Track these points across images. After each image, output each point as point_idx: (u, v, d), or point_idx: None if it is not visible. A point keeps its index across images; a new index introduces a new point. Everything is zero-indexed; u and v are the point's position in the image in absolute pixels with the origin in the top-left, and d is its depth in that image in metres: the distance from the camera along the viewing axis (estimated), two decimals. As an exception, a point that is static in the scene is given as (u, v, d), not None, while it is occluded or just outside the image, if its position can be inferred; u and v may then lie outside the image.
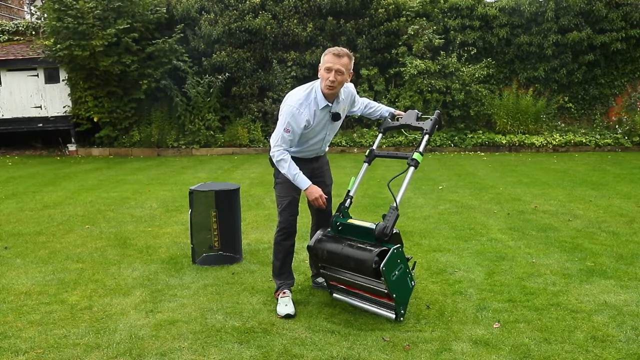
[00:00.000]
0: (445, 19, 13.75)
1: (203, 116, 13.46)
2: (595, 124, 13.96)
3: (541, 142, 12.95)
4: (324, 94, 3.42)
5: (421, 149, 3.55)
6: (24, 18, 19.79)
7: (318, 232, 3.57)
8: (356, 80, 13.92)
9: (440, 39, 13.23)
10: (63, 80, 13.81)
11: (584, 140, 13.00)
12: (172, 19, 13.70)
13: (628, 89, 13.93)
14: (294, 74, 13.45)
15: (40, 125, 14.04)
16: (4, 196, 7.89)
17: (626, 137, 13.04)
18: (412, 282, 3.40)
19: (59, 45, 12.43)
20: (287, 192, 3.59)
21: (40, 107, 14.03)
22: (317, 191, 3.45)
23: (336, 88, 3.40)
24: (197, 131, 13.43)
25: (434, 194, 7.55)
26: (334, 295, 3.68)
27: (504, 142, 13.07)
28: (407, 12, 13.59)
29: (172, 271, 4.41)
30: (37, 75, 13.95)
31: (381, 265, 3.15)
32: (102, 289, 4.02)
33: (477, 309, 3.54)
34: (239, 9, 13.47)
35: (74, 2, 12.10)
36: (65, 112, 13.90)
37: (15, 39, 15.20)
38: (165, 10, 13.47)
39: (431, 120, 3.65)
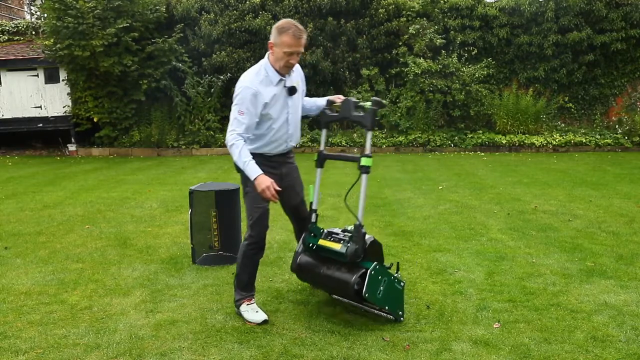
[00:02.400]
0: (445, 19, 13.74)
1: (203, 116, 13.46)
2: (595, 124, 13.96)
3: (541, 142, 12.95)
4: (276, 71, 3.26)
5: (367, 150, 3.30)
6: (24, 18, 19.79)
7: (297, 251, 3.50)
8: (356, 80, 13.94)
9: (441, 38, 13.23)
10: (63, 80, 13.80)
11: (584, 140, 13.00)
12: (172, 18, 13.70)
13: (628, 89, 13.92)
14: (294, 74, 13.43)
15: (40, 125, 14.04)
16: (4, 196, 7.89)
17: (626, 137, 13.04)
18: (401, 284, 3.36)
19: (58, 45, 12.43)
20: (258, 203, 3.35)
21: (40, 107, 14.02)
22: (266, 181, 3.15)
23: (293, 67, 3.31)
24: (197, 131, 13.43)
25: (434, 194, 7.55)
26: (334, 295, 3.68)
27: (504, 142, 13.07)
28: (408, 12, 13.59)
29: (172, 271, 4.41)
30: (37, 75, 13.95)
31: (363, 293, 3.12)
32: (102, 289, 4.02)
33: (477, 309, 3.54)
34: (239, 9, 13.47)
35: (74, 2, 12.10)
36: (65, 112, 13.89)
37: (15, 39, 15.21)
38: (164, 10, 13.46)
39: (369, 112, 3.31)
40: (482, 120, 13.84)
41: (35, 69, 13.87)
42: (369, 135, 3.34)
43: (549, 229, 5.55)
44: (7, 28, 15.35)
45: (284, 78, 3.31)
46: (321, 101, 3.64)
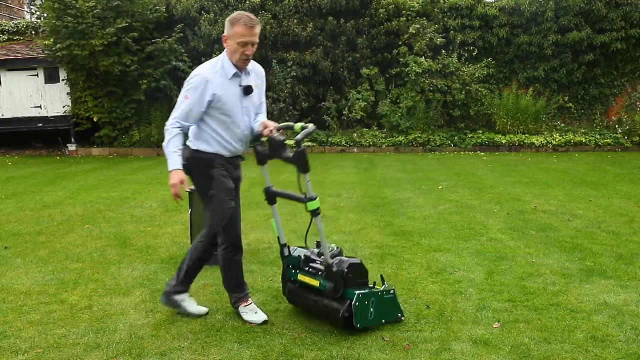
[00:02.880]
0: (446, 19, 13.75)
1: (203, 116, 13.45)
2: (595, 124, 13.96)
3: (541, 142, 12.95)
4: (234, 65, 3.19)
5: (310, 193, 3.15)
6: (24, 18, 19.79)
7: (284, 278, 3.47)
8: (356, 80, 13.93)
9: (441, 38, 13.23)
10: (63, 80, 13.80)
11: (584, 140, 13.00)
12: (172, 18, 13.70)
13: (628, 89, 13.92)
14: (294, 74, 13.45)
15: (40, 125, 14.04)
16: (4, 196, 7.89)
17: (626, 137, 13.04)
18: (391, 292, 3.29)
19: (59, 45, 12.43)
20: (227, 203, 3.25)
21: (40, 107, 14.02)
22: (178, 178, 3.06)
23: (250, 60, 3.23)
24: (197, 131, 13.42)
25: (434, 194, 7.55)
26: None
27: (504, 142, 13.07)
28: (408, 12, 13.59)
29: (172, 271, 4.39)
30: (37, 75, 13.95)
31: (355, 324, 3.10)
32: (102, 289, 4.02)
33: (477, 309, 3.54)
34: (239, 9, 13.46)
35: (74, 2, 12.10)
36: (65, 112, 13.89)
37: (15, 39, 15.21)
38: (164, 10, 13.46)
39: (301, 154, 3.17)
40: (482, 120, 13.85)
41: (35, 69, 13.87)
42: (307, 177, 3.15)
43: (549, 229, 5.55)
44: (7, 28, 15.35)
45: (240, 74, 3.23)
46: (259, 122, 3.40)
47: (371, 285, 3.29)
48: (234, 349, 3.05)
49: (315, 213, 3.18)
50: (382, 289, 3.26)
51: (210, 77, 3.14)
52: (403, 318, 3.33)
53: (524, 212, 6.37)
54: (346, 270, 3.18)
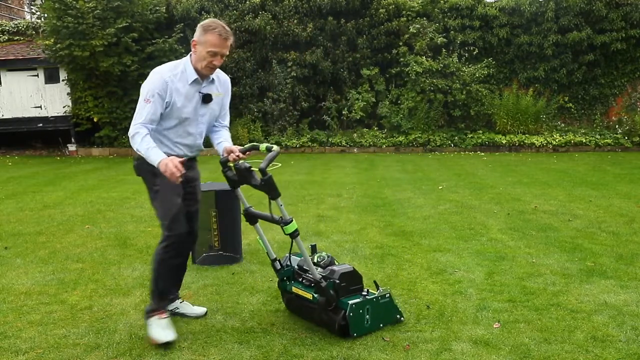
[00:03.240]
0: (446, 19, 13.75)
1: (203, 116, 13.46)
2: (595, 124, 13.96)
3: (541, 142, 12.95)
4: (196, 71, 3.07)
5: (286, 217, 3.08)
6: (24, 18, 19.79)
7: (283, 290, 3.44)
8: (356, 80, 13.94)
9: (442, 37, 13.23)
10: (63, 81, 13.81)
11: (584, 140, 13.00)
12: (172, 18, 13.70)
13: (628, 89, 13.93)
14: (294, 74, 13.45)
15: (40, 125, 14.04)
16: (4, 196, 7.89)
17: (626, 137, 13.05)
18: (386, 296, 3.24)
19: (59, 45, 12.43)
20: (172, 199, 3.08)
21: (40, 107, 14.03)
22: (171, 161, 2.83)
23: (215, 69, 3.12)
24: (197, 131, 13.43)
25: (434, 194, 7.55)
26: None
27: (504, 142, 13.08)
28: (408, 12, 13.59)
29: (172, 271, 4.40)
30: (37, 75, 13.95)
31: (351, 333, 3.08)
32: (102, 289, 4.02)
33: (477, 309, 3.53)
34: (239, 9, 13.47)
35: (74, 2, 12.11)
36: (65, 112, 13.90)
37: (15, 39, 15.21)
38: (164, 10, 13.47)
39: (268, 180, 3.06)
40: (482, 120, 13.85)
41: (35, 69, 13.88)
42: (278, 201, 3.07)
43: (549, 229, 5.55)
44: (7, 28, 15.36)
45: (201, 81, 3.10)
46: (223, 145, 3.28)
47: (365, 292, 3.22)
48: (234, 349, 3.05)
49: (293, 235, 3.11)
50: (376, 295, 3.21)
51: (169, 79, 3.01)
52: (402, 319, 3.33)
53: (524, 212, 6.37)
54: (338, 280, 3.14)
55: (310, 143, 13.45)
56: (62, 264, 4.61)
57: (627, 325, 3.27)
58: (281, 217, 3.10)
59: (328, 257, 3.37)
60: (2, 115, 14.00)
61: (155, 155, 2.91)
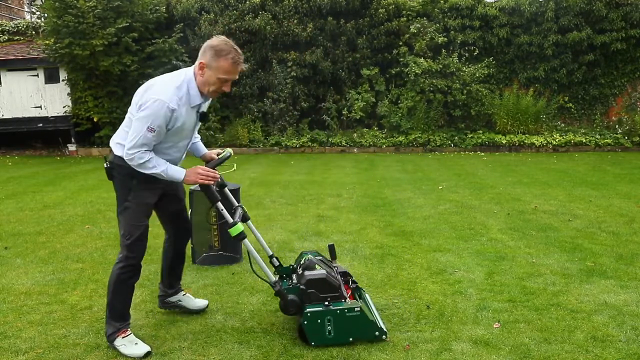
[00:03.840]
0: (446, 19, 13.75)
1: (203, 116, 13.46)
2: (595, 124, 13.96)
3: (541, 142, 12.95)
4: (201, 94, 2.91)
5: (229, 220, 3.09)
6: (24, 18, 19.79)
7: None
8: (356, 80, 13.94)
9: (442, 37, 13.23)
10: (63, 80, 13.81)
11: (584, 140, 13.00)
12: (172, 18, 13.71)
13: (628, 89, 13.92)
14: (294, 74, 13.45)
15: (40, 125, 14.04)
16: (4, 196, 7.89)
17: (626, 137, 13.04)
18: (355, 309, 3.04)
19: (59, 45, 12.43)
20: (139, 220, 3.00)
21: (40, 107, 14.03)
22: (196, 169, 2.90)
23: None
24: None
25: (434, 194, 7.55)
26: None
27: (504, 142, 13.07)
28: (408, 12, 13.59)
29: (172, 271, 4.40)
30: (37, 75, 13.95)
31: (310, 342, 3.01)
32: (102, 289, 4.02)
33: (477, 309, 3.53)
34: (239, 9, 13.47)
35: (75, 1, 12.11)
36: (65, 112, 13.90)
37: (15, 39, 15.21)
38: (164, 10, 13.47)
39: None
40: (482, 120, 13.85)
41: (35, 69, 13.88)
42: (218, 206, 3.08)
43: (549, 229, 5.55)
44: (7, 28, 15.35)
45: (203, 103, 2.97)
46: (199, 148, 3.35)
47: (332, 298, 3.10)
48: (234, 349, 3.05)
49: (237, 238, 3.07)
50: (342, 307, 3.05)
51: (176, 106, 2.80)
52: (385, 337, 3.08)
53: (524, 212, 6.38)
54: (303, 286, 3.09)
55: (310, 143, 13.45)
56: (62, 264, 4.61)
57: (627, 325, 3.27)
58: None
59: (309, 260, 3.32)
60: (2, 115, 14.00)
61: (176, 172, 2.89)
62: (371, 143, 13.40)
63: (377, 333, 3.07)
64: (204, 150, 3.36)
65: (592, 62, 13.46)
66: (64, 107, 13.92)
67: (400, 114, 13.43)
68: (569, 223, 5.81)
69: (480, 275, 4.19)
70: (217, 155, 3.24)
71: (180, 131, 2.94)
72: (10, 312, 3.60)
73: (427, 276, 4.19)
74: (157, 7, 13.31)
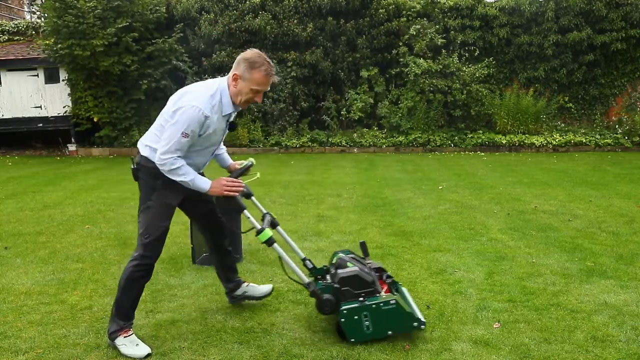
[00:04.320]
0: (446, 19, 13.75)
1: (203, 116, 13.45)
2: (595, 124, 13.96)
3: (541, 142, 12.95)
4: (232, 102, 2.99)
5: (257, 226, 3.16)
6: (24, 18, 19.79)
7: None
8: (356, 80, 13.94)
9: (441, 38, 13.23)
10: (63, 80, 13.81)
11: (584, 140, 13.00)
12: (172, 18, 13.71)
13: (628, 89, 13.92)
14: (294, 74, 13.45)
15: (40, 125, 14.04)
16: (4, 196, 7.89)
17: (626, 137, 13.04)
18: (390, 302, 3.05)
19: (59, 45, 12.44)
20: (160, 220, 3.09)
21: (40, 107, 14.03)
22: (220, 181, 2.99)
23: None
24: (197, 131, 13.43)
25: (434, 194, 7.55)
26: None
27: (504, 142, 13.07)
28: (408, 12, 13.59)
29: (172, 271, 4.41)
30: (37, 75, 13.95)
31: (349, 339, 3.04)
32: (102, 289, 4.02)
33: (477, 309, 3.53)
34: (239, 9, 13.47)
35: (75, 1, 12.11)
36: (65, 112, 13.90)
37: (15, 39, 15.21)
38: (164, 10, 13.47)
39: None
40: (482, 120, 13.85)
41: (35, 69, 13.88)
42: (245, 213, 3.15)
43: (549, 229, 5.55)
44: (7, 28, 15.36)
45: (233, 113, 3.06)
46: (225, 158, 3.47)
47: (367, 294, 3.13)
48: (234, 349, 3.06)
49: (267, 244, 3.12)
50: (377, 301, 3.08)
51: (209, 113, 2.88)
52: (423, 326, 3.10)
53: (524, 212, 6.38)
54: (337, 285, 3.12)
55: (310, 143, 13.45)
56: (62, 264, 4.61)
57: (627, 325, 3.27)
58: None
59: (340, 259, 3.34)
60: (2, 115, 14.00)
61: (202, 182, 2.98)
62: (371, 143, 13.40)
63: (415, 324, 3.08)
64: (229, 161, 3.47)
65: (592, 62, 13.46)
66: (64, 107, 13.92)
67: (400, 114, 13.43)
68: (569, 223, 5.81)
69: (480, 275, 4.19)
70: (240, 165, 3.35)
71: (209, 138, 3.02)
72: (10, 312, 3.60)
73: (427, 276, 4.19)
74: (157, 7, 13.30)
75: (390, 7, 13.52)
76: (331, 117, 13.82)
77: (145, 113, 13.76)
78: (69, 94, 13.78)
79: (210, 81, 3.03)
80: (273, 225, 3.38)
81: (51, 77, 13.94)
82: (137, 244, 3.11)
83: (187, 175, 2.94)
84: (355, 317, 3.05)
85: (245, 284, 3.66)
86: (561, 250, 4.84)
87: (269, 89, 3.05)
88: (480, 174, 9.42)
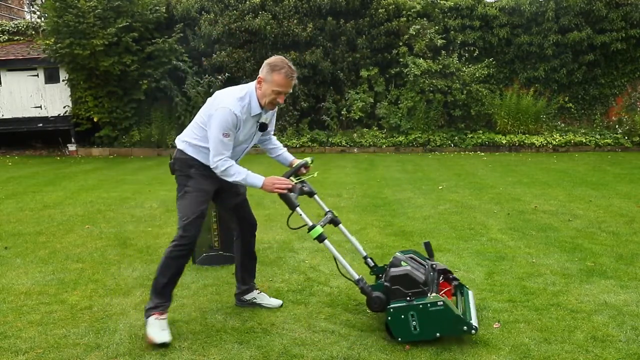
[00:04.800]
0: (446, 19, 13.75)
1: (203, 116, 13.46)
2: (595, 124, 13.96)
3: (541, 142, 12.95)
4: (259, 104, 3.21)
5: (309, 223, 3.25)
6: (24, 18, 19.79)
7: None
8: (356, 80, 13.93)
9: (441, 38, 13.23)
10: (63, 81, 13.81)
11: (584, 140, 13.00)
12: (172, 18, 13.70)
13: (628, 89, 13.93)
14: (294, 74, 13.43)
15: (40, 125, 14.05)
16: (4, 196, 7.89)
17: (626, 137, 13.04)
18: (438, 304, 3.01)
19: (59, 45, 12.44)
20: (198, 204, 3.25)
21: (40, 107, 14.03)
22: (272, 180, 3.17)
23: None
24: (197, 131, 13.43)
25: (434, 194, 7.55)
26: None
27: (504, 142, 13.08)
28: (408, 13, 13.59)
29: (172, 271, 4.40)
30: (37, 75, 13.96)
31: (396, 338, 3.06)
32: (102, 289, 4.02)
33: (477, 309, 3.53)
34: (239, 9, 13.47)
35: (75, 1, 12.12)
36: (65, 112, 13.90)
37: (15, 39, 15.22)
38: (164, 10, 13.47)
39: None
40: (482, 120, 13.85)
41: (35, 69, 13.89)
42: (297, 211, 3.26)
43: (549, 229, 5.55)
44: (7, 28, 15.36)
45: (262, 113, 3.27)
46: (285, 156, 3.63)
47: (415, 294, 3.09)
48: (234, 349, 3.05)
49: (317, 240, 3.21)
50: (425, 301, 3.03)
51: (239, 114, 3.13)
52: (474, 332, 3.02)
53: (524, 212, 6.37)
54: (388, 283, 3.14)
55: (310, 143, 13.45)
56: (62, 264, 4.61)
57: (627, 325, 3.27)
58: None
59: (395, 258, 3.34)
60: (2, 115, 14.01)
61: (255, 179, 3.16)
62: (371, 143, 13.41)
63: (465, 328, 3.02)
64: (290, 158, 3.64)
65: (592, 62, 13.46)
66: (64, 107, 13.93)
67: (399, 114, 13.43)
68: (569, 223, 5.81)
69: (480, 275, 4.19)
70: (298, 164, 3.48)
71: (240, 136, 3.24)
72: (10, 312, 3.59)
73: (427, 276, 4.18)
74: (157, 7, 13.31)
75: (390, 7, 13.52)
76: (331, 117, 13.82)
77: (145, 113, 13.77)
78: (69, 94, 13.79)
79: (240, 86, 3.27)
80: (335, 223, 3.47)
81: (51, 77, 13.95)
82: (177, 228, 3.26)
83: (239, 175, 3.16)
84: (402, 316, 3.04)
85: (257, 291, 3.70)
86: (561, 250, 4.83)
87: (290, 90, 3.25)
88: (480, 174, 9.42)
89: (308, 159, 3.51)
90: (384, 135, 13.57)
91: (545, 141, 12.98)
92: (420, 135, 13.30)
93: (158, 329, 3.10)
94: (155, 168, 10.87)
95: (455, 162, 11.14)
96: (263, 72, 3.17)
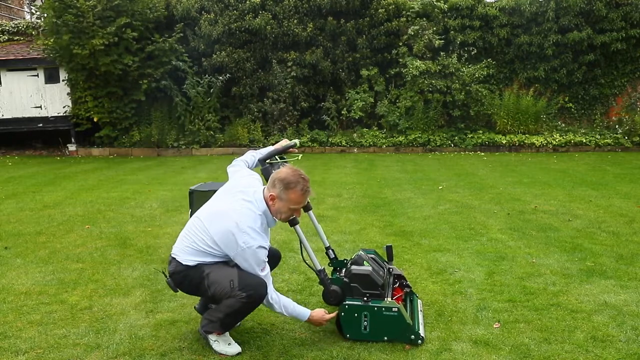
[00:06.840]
0: (446, 19, 13.74)
1: (203, 116, 13.47)
2: (595, 124, 13.95)
3: (541, 142, 12.95)
4: (274, 220, 3.09)
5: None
6: (24, 18, 19.79)
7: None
8: (356, 80, 13.94)
9: (440, 39, 13.23)
10: (63, 81, 13.81)
11: (584, 140, 13.00)
12: (172, 18, 13.70)
13: (628, 89, 13.92)
14: (294, 74, 13.45)
15: (40, 125, 14.05)
16: (4, 196, 7.89)
17: (626, 137, 13.03)
18: (392, 310, 3.05)
19: (58, 42, 12.44)
20: (226, 273, 2.97)
21: (40, 107, 14.03)
22: (320, 315, 3.11)
23: None
24: (197, 131, 13.44)
25: (434, 194, 7.55)
26: None
27: (504, 142, 13.07)
28: (408, 13, 13.59)
29: (172, 271, 4.40)
30: (37, 75, 13.95)
31: (344, 334, 3.09)
32: (102, 289, 4.02)
33: (477, 309, 3.53)
34: (239, 9, 13.47)
35: (74, 1, 12.12)
36: (65, 112, 13.90)
37: (15, 39, 15.22)
38: (164, 9, 13.47)
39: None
40: (482, 120, 13.85)
41: (35, 69, 13.89)
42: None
43: (549, 229, 5.55)
44: (7, 28, 15.36)
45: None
46: (256, 159, 3.52)
47: (371, 296, 3.13)
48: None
49: (291, 223, 3.20)
50: (380, 305, 3.08)
51: (265, 243, 2.96)
52: (420, 342, 3.06)
53: (524, 212, 6.37)
54: (347, 279, 3.17)
55: (310, 143, 13.45)
56: (62, 264, 4.61)
57: (627, 325, 3.27)
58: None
59: (358, 256, 3.37)
60: (2, 115, 14.01)
61: (302, 310, 3.09)
62: (371, 143, 13.41)
63: (412, 337, 3.06)
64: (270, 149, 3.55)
65: (592, 62, 13.45)
66: (64, 107, 13.93)
67: (398, 114, 13.43)
68: (569, 223, 5.81)
69: (480, 275, 4.19)
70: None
71: None
72: (10, 312, 3.60)
73: (427, 276, 4.19)
74: (157, 6, 13.31)
75: (390, 7, 13.52)
76: (331, 117, 13.82)
77: (145, 113, 13.78)
78: (68, 94, 13.79)
79: (248, 209, 2.97)
80: (305, 208, 3.38)
81: (51, 77, 13.95)
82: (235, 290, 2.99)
83: (287, 308, 3.05)
84: (356, 314, 3.08)
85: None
86: (561, 250, 4.84)
87: (307, 202, 3.14)
88: (480, 174, 9.42)
89: (296, 141, 3.50)
90: (384, 135, 13.57)
91: (545, 141, 12.97)
92: (420, 135, 13.30)
93: (224, 345, 3.04)
94: (155, 168, 10.87)
95: (455, 162, 11.14)
96: (276, 189, 2.95)
